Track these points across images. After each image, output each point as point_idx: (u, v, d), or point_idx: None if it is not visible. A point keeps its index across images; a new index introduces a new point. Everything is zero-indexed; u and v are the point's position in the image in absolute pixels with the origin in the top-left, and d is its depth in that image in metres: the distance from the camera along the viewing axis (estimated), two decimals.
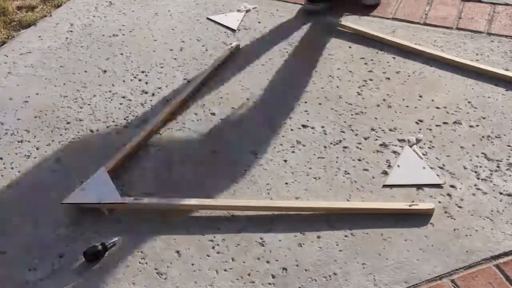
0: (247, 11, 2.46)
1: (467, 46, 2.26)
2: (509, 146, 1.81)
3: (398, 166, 1.72)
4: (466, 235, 1.54)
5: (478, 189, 1.67)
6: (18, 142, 1.94)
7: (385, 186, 1.68)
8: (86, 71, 2.26)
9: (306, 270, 1.49)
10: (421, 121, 1.92)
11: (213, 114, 2.01)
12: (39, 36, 2.49)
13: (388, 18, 2.47)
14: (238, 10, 2.52)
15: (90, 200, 1.66)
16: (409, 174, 1.70)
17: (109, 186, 1.68)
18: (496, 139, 1.83)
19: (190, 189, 1.73)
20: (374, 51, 2.26)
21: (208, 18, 2.30)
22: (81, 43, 2.43)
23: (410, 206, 1.58)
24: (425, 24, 2.38)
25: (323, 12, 2.39)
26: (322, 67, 2.18)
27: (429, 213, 1.59)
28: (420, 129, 1.88)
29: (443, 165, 1.75)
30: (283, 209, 1.63)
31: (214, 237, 1.58)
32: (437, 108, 1.97)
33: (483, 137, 1.84)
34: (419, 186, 1.68)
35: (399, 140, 1.85)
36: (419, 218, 1.59)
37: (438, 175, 1.70)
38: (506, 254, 1.49)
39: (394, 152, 1.81)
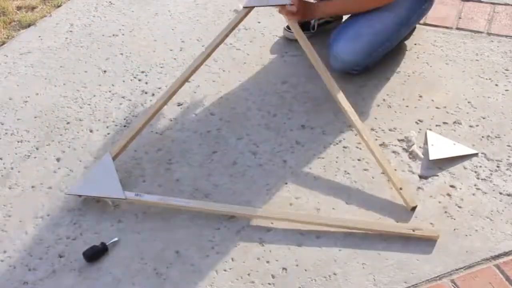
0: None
1: (467, 46, 2.26)
2: (509, 146, 1.81)
3: (432, 145, 1.80)
4: (466, 235, 1.54)
5: (478, 189, 1.67)
6: (18, 142, 1.94)
7: (431, 160, 1.74)
8: (86, 71, 2.26)
9: (306, 270, 1.49)
10: (421, 121, 1.92)
11: (213, 114, 2.01)
12: (39, 36, 2.49)
13: None
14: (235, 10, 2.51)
15: (94, 194, 1.67)
16: (446, 149, 1.79)
17: (113, 178, 1.69)
18: (496, 139, 1.83)
19: (190, 189, 1.73)
20: None
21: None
22: (81, 43, 2.43)
23: (413, 230, 1.54)
24: (425, 24, 2.38)
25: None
26: None
27: (434, 239, 1.53)
28: (420, 129, 1.88)
29: (443, 165, 1.75)
30: (282, 219, 1.61)
31: (214, 237, 1.58)
32: (437, 108, 1.97)
33: (483, 137, 1.84)
34: (424, 183, 1.69)
35: (399, 140, 1.85)
36: (419, 218, 1.59)
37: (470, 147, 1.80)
38: (506, 254, 1.49)
39: (394, 152, 1.81)
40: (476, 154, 1.77)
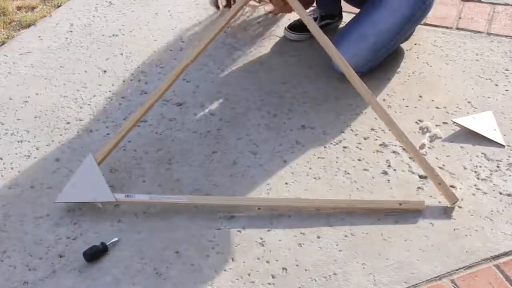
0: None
1: (467, 46, 2.26)
2: (509, 146, 1.81)
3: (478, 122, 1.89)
4: (466, 235, 1.54)
5: (478, 189, 1.67)
6: (18, 142, 1.94)
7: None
8: (86, 71, 2.26)
9: (306, 270, 1.49)
10: (421, 121, 1.92)
11: (213, 114, 2.01)
12: (39, 36, 2.49)
13: None
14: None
15: (82, 199, 1.65)
16: (480, 126, 1.87)
17: (99, 181, 1.66)
18: None
19: (190, 189, 1.73)
20: None
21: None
22: (81, 43, 2.43)
23: (400, 204, 1.60)
24: (424, 24, 2.38)
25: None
26: (322, 67, 2.18)
27: (421, 210, 1.60)
28: (420, 128, 1.88)
29: (443, 165, 1.75)
30: (282, 206, 1.64)
31: (214, 237, 1.58)
32: (437, 108, 1.97)
33: (483, 137, 1.84)
34: (424, 183, 1.69)
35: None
36: (419, 219, 1.59)
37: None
38: (506, 254, 1.49)
39: (394, 152, 1.81)
40: (501, 145, 1.80)
